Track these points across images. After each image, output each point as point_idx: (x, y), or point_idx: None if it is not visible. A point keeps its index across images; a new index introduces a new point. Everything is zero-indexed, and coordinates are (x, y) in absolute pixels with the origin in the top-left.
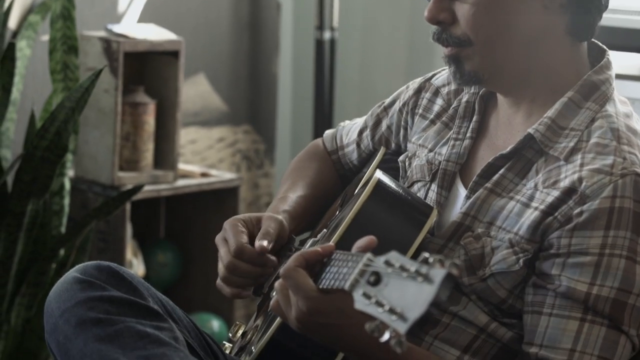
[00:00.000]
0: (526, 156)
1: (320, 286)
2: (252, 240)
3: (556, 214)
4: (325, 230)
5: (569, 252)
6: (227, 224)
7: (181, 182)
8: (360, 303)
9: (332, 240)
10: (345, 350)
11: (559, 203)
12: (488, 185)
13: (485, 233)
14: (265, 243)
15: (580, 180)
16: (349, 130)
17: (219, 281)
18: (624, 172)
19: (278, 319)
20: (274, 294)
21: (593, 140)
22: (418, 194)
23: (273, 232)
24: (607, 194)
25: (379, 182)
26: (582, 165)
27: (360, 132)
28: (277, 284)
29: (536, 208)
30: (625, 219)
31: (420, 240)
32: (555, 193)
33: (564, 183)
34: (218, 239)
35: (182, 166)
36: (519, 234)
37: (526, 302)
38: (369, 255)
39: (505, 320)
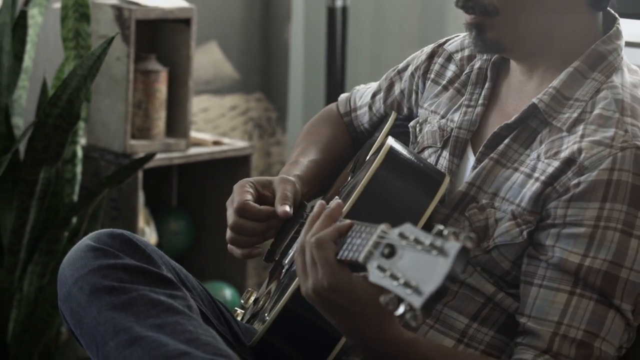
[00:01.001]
0: (531, 126)
1: (338, 257)
2: (259, 201)
3: (555, 184)
4: (337, 197)
5: (564, 222)
6: (235, 186)
7: (193, 150)
8: (374, 275)
9: (344, 209)
10: (350, 335)
11: (559, 174)
12: (494, 155)
13: (490, 204)
14: (287, 208)
15: (579, 151)
16: (363, 93)
17: (229, 245)
18: (624, 145)
19: (292, 287)
20: (296, 254)
21: (596, 111)
22: (428, 160)
23: (291, 196)
24: (605, 166)
25: (391, 149)
26: (583, 136)
27: (374, 95)
28: (305, 245)
29: (537, 179)
30: (623, 192)
31: (432, 208)
32: (556, 164)
33: (565, 154)
34: (228, 201)
35: (194, 134)
36: (522, 205)
37: (522, 271)
38: (383, 226)
39: (511, 291)
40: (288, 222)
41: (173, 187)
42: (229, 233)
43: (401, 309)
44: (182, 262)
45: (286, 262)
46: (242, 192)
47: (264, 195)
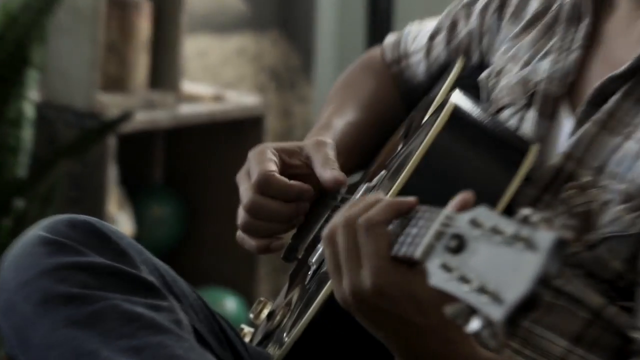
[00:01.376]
0: None
1: (393, 253)
2: (286, 175)
3: None
4: (384, 171)
5: None
6: (251, 154)
7: (186, 109)
8: (437, 277)
9: (394, 187)
10: (404, 354)
11: None
12: (598, 116)
13: (594, 183)
14: (338, 173)
15: None
16: (417, 35)
17: (239, 232)
18: None
19: (322, 294)
20: (325, 242)
21: None
22: (509, 124)
23: (335, 159)
24: None
25: (457, 109)
26: None
27: (432, 37)
28: (343, 229)
29: None
30: None
31: (514, 188)
32: None
33: None
34: (239, 174)
35: (187, 86)
36: (637, 183)
37: (638, 271)
38: (447, 211)
39: (626, 304)
40: (315, 208)
41: (157, 158)
42: (242, 217)
43: (475, 324)
44: (169, 261)
45: (313, 260)
46: (262, 161)
47: (292, 165)
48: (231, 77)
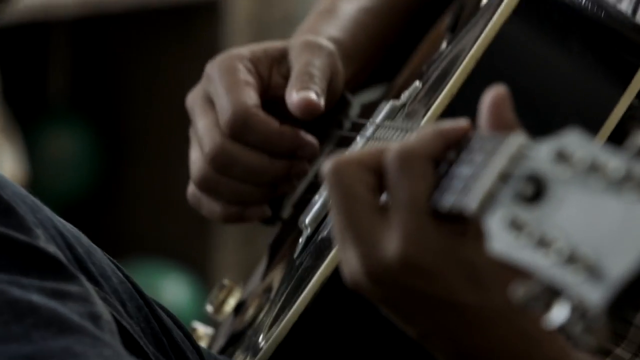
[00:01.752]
0: None
1: (435, 204)
2: (267, 99)
3: None
4: (417, 82)
5: None
6: (213, 66)
7: None
8: (501, 241)
9: (435, 104)
10: (449, 355)
11: None
12: None
13: None
14: (312, 94)
15: None
16: None
17: (193, 189)
18: None
19: (325, 266)
20: (330, 183)
21: None
22: (619, 6)
23: (321, 75)
24: None
25: None
26: None
27: None
28: (359, 160)
29: None
30: None
31: (625, 106)
32: None
33: None
34: (192, 98)
35: None
36: None
37: None
38: (519, 137)
39: None
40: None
41: (58, 65)
42: (201, 169)
43: (560, 313)
44: (81, 222)
45: (307, 221)
46: (235, 85)
47: (277, 84)
48: None
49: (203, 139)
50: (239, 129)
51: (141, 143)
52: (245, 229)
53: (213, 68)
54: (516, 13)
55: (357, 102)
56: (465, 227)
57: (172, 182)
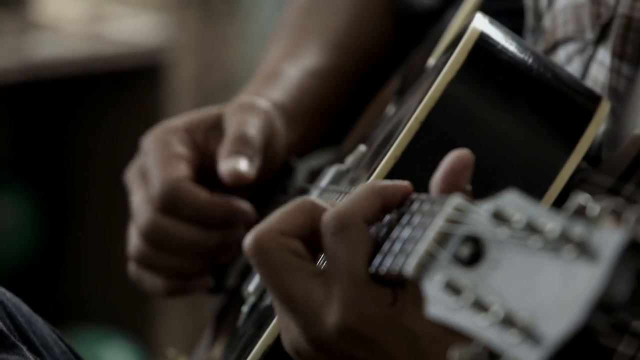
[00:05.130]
0: None
1: (373, 269)
2: (207, 173)
3: None
4: (362, 146)
5: None
6: (147, 140)
7: (42, 45)
8: (438, 304)
9: (378, 167)
10: None
11: None
12: None
13: None
14: (243, 165)
15: None
16: None
17: (133, 264)
18: None
19: (266, 335)
20: (253, 264)
21: None
22: (568, 68)
23: (255, 134)
24: None
25: (484, 38)
26: None
27: None
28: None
29: None
30: None
31: (573, 168)
32: None
33: None
34: (129, 173)
35: (47, 2)
36: None
37: None
38: (456, 198)
39: None
40: (257, 205)
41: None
42: (137, 245)
43: None
44: (21, 289)
45: (251, 289)
46: (166, 159)
47: (212, 151)
48: None
49: (136, 214)
50: (169, 203)
51: (83, 209)
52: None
53: (147, 142)
54: (460, 74)
55: (304, 168)
56: (405, 289)
57: (115, 249)
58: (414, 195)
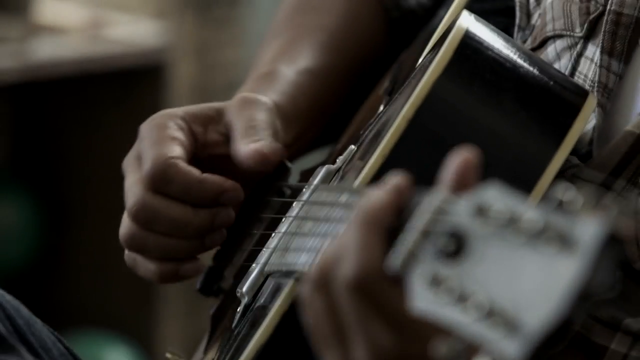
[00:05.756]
0: None
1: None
2: (201, 161)
3: None
4: (352, 146)
5: None
6: (145, 127)
7: (42, 47)
8: (422, 298)
9: (365, 169)
10: None
11: None
12: None
13: None
14: (265, 145)
15: None
16: None
17: (128, 253)
18: None
19: (260, 333)
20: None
21: None
22: (556, 65)
23: (266, 127)
24: None
25: (470, 36)
26: None
27: None
28: (313, 291)
29: None
30: None
31: (560, 163)
32: None
33: None
34: (126, 160)
35: (47, 7)
36: None
37: None
38: (440, 193)
39: None
40: (250, 208)
41: None
42: (127, 226)
43: None
44: (21, 292)
45: (244, 290)
46: (161, 140)
47: (209, 142)
48: None
49: (127, 196)
50: (159, 181)
51: (83, 211)
52: (188, 300)
53: (144, 127)
54: (447, 72)
55: (297, 169)
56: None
57: (115, 251)
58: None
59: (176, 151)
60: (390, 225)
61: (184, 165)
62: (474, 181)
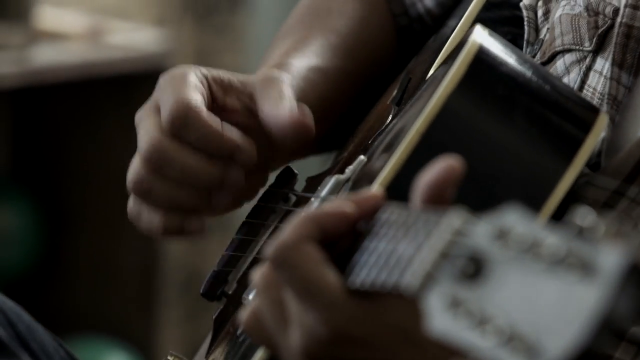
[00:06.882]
0: None
1: (355, 284)
2: (223, 119)
3: None
4: (362, 156)
5: None
6: (164, 76)
7: (43, 53)
8: (441, 321)
9: (381, 176)
10: None
11: None
12: None
13: None
14: (306, 115)
15: None
16: None
17: (131, 200)
18: None
19: (260, 353)
20: (251, 297)
21: None
22: (565, 80)
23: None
24: None
25: (483, 51)
26: None
27: None
28: (257, 277)
29: None
30: None
31: (571, 179)
32: None
33: None
34: (143, 111)
35: (48, 15)
36: None
37: None
38: (461, 213)
39: None
40: (255, 215)
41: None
42: (137, 170)
43: None
44: (21, 298)
45: (251, 298)
46: (182, 86)
47: (227, 106)
48: (118, 1)
49: (141, 139)
50: (179, 125)
51: (83, 216)
52: (188, 305)
53: (164, 78)
54: (460, 86)
55: (302, 176)
56: (404, 304)
57: (115, 257)
58: (392, 209)
59: (198, 99)
60: (337, 231)
61: (206, 112)
62: (451, 195)
